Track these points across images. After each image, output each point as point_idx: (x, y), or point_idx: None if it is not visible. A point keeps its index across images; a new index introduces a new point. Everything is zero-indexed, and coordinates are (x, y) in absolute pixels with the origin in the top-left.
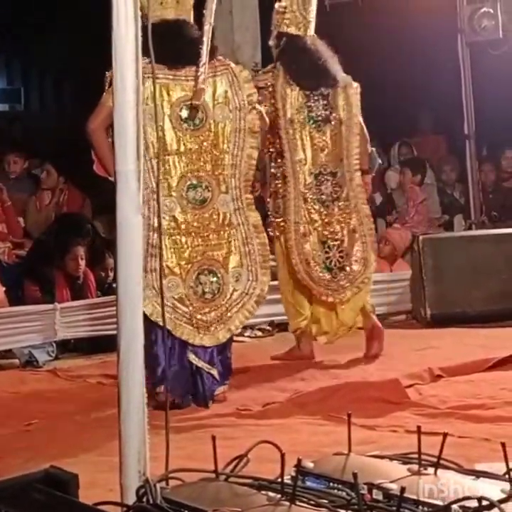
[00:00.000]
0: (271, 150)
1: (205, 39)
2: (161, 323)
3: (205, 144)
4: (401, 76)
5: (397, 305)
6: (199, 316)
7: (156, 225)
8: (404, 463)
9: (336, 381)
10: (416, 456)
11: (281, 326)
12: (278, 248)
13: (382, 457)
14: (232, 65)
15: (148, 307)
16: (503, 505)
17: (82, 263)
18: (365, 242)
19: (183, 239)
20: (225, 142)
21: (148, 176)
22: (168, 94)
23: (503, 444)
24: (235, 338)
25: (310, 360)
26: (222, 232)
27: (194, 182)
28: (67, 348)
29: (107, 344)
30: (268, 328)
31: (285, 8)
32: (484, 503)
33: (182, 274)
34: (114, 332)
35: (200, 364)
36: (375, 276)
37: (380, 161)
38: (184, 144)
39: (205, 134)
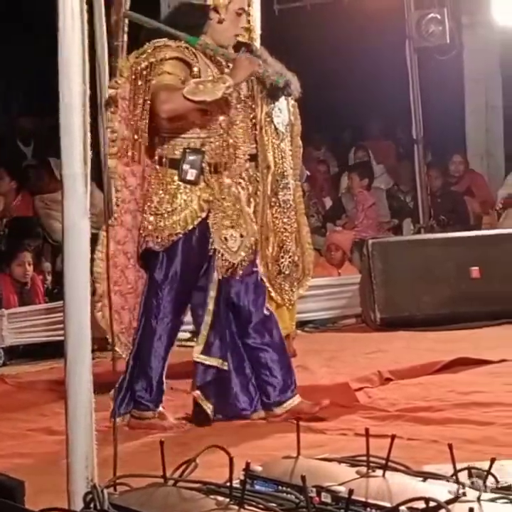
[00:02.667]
0: None
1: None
2: None
3: None
4: (350, 81)
5: (347, 309)
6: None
7: None
8: (353, 465)
9: None
10: (365, 458)
11: None
12: None
13: (330, 460)
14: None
15: None
16: (450, 506)
17: (30, 269)
18: (305, 250)
19: None
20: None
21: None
22: None
23: (451, 446)
24: (185, 343)
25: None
26: None
27: None
28: (15, 354)
29: (56, 350)
30: None
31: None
32: (432, 504)
33: None
34: (62, 338)
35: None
36: (324, 281)
37: (308, 173)
38: None
39: None
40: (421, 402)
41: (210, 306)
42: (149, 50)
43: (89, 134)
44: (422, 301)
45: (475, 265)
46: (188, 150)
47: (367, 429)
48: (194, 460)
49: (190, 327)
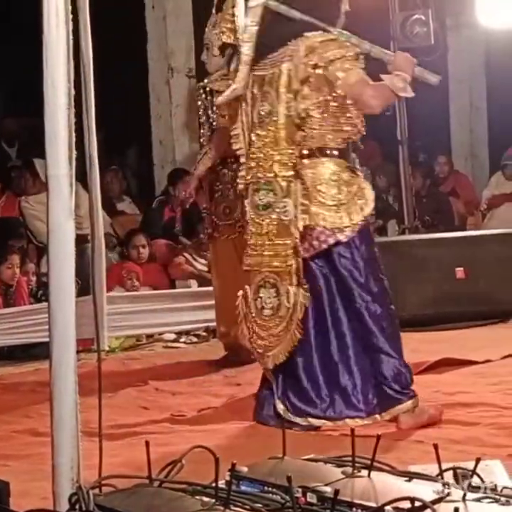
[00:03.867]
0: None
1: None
2: None
3: (269, 140)
4: None
5: None
6: (260, 333)
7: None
8: (339, 466)
9: None
10: (350, 459)
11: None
12: (224, 249)
13: (316, 461)
14: (305, 40)
15: None
16: (435, 506)
17: (18, 271)
18: None
19: (252, 246)
20: (289, 138)
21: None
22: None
23: (436, 446)
24: (170, 345)
25: (250, 364)
26: (281, 243)
27: (259, 185)
28: (0, 355)
29: (40, 352)
30: (203, 334)
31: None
32: (417, 504)
33: (251, 284)
34: (47, 339)
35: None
36: None
37: None
38: (258, 141)
39: (270, 131)
40: None
41: None
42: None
43: (74, 135)
44: (407, 301)
45: (460, 266)
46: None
47: (352, 430)
48: (180, 461)
49: (176, 328)
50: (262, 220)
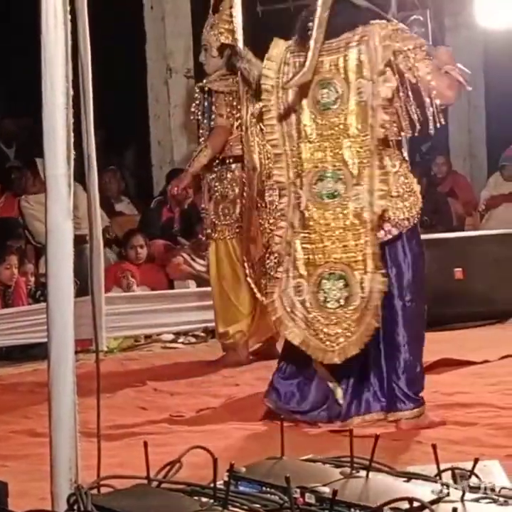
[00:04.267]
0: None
1: (318, 7)
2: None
3: (338, 127)
4: None
5: None
6: (321, 327)
7: (291, 219)
8: (337, 466)
9: None
10: (349, 459)
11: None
12: (223, 249)
13: (315, 461)
14: (377, 26)
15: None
16: (434, 507)
17: (16, 272)
18: None
19: (311, 237)
20: (361, 124)
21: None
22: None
23: (435, 446)
24: (168, 345)
25: (249, 364)
26: (352, 232)
27: (323, 173)
28: None
29: (39, 352)
30: (202, 334)
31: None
32: (415, 504)
33: (307, 278)
34: (46, 340)
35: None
36: None
37: None
38: (317, 128)
39: (338, 116)
40: None
41: None
42: (391, 32)
43: (72, 134)
44: None
45: (458, 266)
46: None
47: (351, 430)
48: (178, 461)
49: (174, 329)
50: (326, 210)
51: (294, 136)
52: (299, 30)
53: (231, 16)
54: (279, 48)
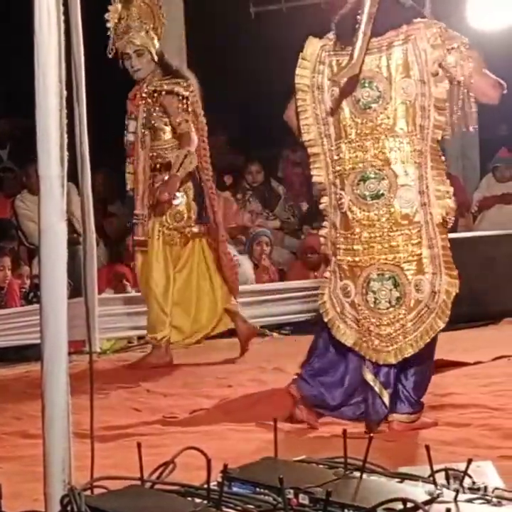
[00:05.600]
0: None
1: (366, 2)
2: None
3: (380, 127)
4: None
5: None
6: (372, 328)
7: (333, 220)
8: (331, 467)
9: (263, 388)
10: (342, 460)
11: None
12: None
13: (308, 462)
14: (423, 25)
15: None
16: (427, 507)
17: (9, 273)
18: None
19: (355, 239)
20: (407, 124)
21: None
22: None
23: (428, 447)
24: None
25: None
26: (400, 232)
27: (365, 174)
28: None
29: (31, 353)
30: None
31: None
32: (409, 505)
33: (354, 279)
34: (39, 341)
35: (376, 386)
36: (300, 283)
37: None
38: (357, 128)
39: (380, 115)
40: None
41: None
42: (438, 30)
43: (66, 135)
44: None
45: None
46: None
47: (344, 431)
48: (172, 462)
49: None
50: (369, 211)
51: (331, 136)
52: (337, 28)
53: (163, 17)
54: (313, 46)
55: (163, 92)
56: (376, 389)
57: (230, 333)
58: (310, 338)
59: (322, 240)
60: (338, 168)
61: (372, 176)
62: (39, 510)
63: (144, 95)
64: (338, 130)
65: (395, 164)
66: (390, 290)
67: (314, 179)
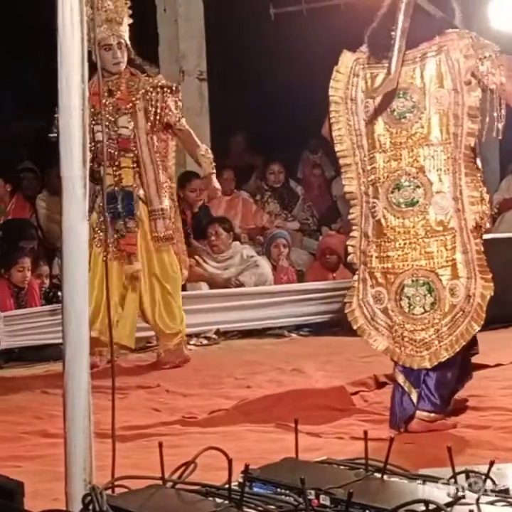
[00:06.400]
0: None
1: (400, 16)
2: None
3: (415, 136)
4: None
5: (340, 313)
6: (406, 334)
7: (365, 229)
8: (352, 468)
9: (282, 389)
10: (363, 461)
11: (228, 334)
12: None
13: (329, 463)
14: (455, 36)
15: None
16: (449, 509)
17: (29, 274)
18: None
19: (389, 246)
20: (441, 133)
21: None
22: (373, 82)
23: (449, 449)
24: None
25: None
26: (435, 239)
27: (399, 182)
28: (11, 357)
29: (51, 353)
30: (214, 336)
31: None
32: (431, 506)
33: (387, 286)
34: (59, 341)
35: (405, 385)
36: (319, 285)
37: None
38: (391, 138)
39: (415, 125)
40: None
41: None
42: (470, 40)
43: (88, 136)
44: None
45: None
46: None
47: (365, 432)
48: (193, 462)
49: (186, 330)
50: (404, 218)
51: (364, 147)
52: (370, 42)
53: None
54: (347, 59)
55: (166, 88)
56: (405, 388)
57: None
58: (328, 339)
59: (350, 249)
60: (371, 177)
61: (407, 184)
62: (60, 509)
63: (148, 89)
64: (371, 141)
65: (429, 172)
66: (425, 295)
67: (345, 189)
